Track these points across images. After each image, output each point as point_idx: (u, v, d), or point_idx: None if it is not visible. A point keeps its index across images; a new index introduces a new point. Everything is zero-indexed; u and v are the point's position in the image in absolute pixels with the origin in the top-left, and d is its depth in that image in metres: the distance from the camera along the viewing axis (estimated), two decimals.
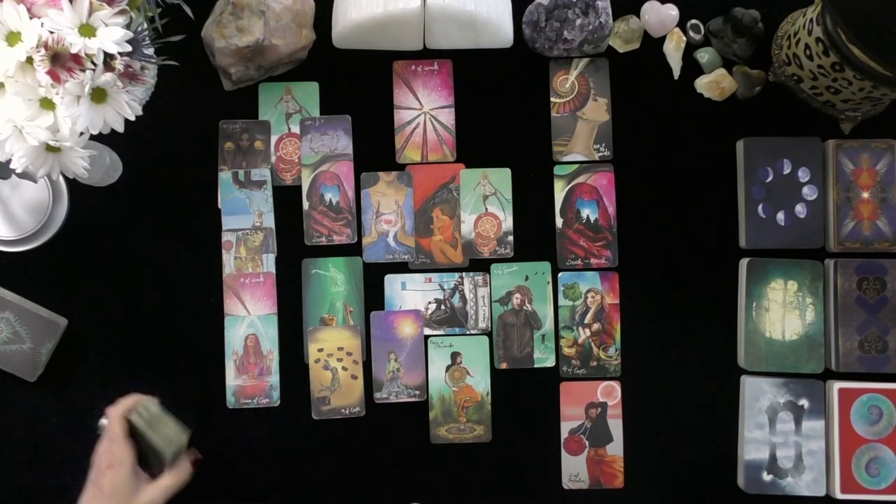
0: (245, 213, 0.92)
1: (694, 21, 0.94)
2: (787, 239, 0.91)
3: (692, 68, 0.94)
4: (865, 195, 0.91)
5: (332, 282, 0.92)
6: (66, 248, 0.91)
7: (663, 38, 0.94)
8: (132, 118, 0.71)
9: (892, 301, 0.89)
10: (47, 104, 0.67)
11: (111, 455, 0.75)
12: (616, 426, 0.91)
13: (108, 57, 0.67)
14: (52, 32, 0.64)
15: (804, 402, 0.90)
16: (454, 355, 0.92)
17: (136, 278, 0.91)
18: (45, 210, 0.90)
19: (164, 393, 0.91)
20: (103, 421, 0.79)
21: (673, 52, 0.94)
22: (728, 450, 0.91)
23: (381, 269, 0.93)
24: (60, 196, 0.90)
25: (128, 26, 0.68)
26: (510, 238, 0.93)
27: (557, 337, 0.92)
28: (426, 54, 0.94)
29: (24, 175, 0.75)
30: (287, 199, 0.93)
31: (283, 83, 0.93)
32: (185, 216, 0.92)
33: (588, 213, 0.93)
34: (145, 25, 0.73)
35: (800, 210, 0.91)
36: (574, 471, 0.91)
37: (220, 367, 0.91)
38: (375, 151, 0.94)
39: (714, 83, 0.93)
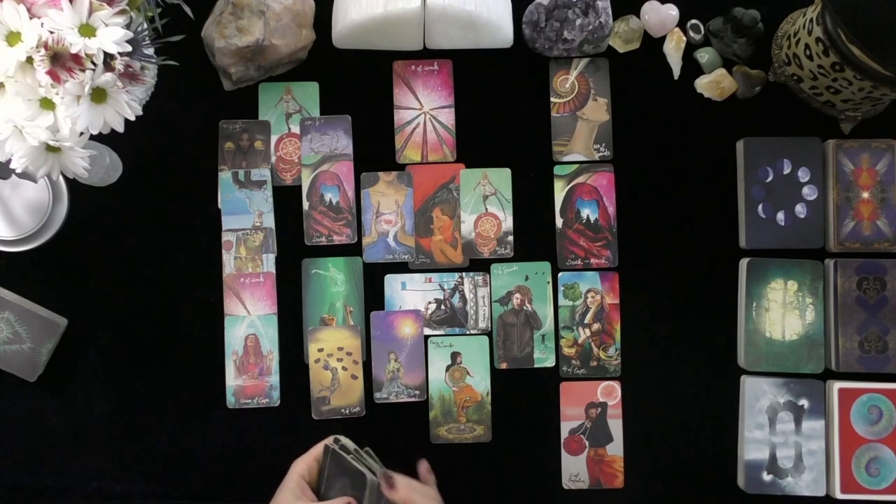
0: (245, 213, 0.92)
1: (694, 21, 0.94)
2: (787, 239, 0.91)
3: (692, 68, 0.94)
4: (865, 195, 0.91)
5: (332, 282, 0.92)
6: (66, 248, 0.91)
7: (663, 38, 0.94)
8: (132, 118, 0.71)
9: (892, 301, 0.89)
10: (47, 104, 0.67)
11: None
12: (616, 426, 0.91)
13: (108, 57, 0.67)
14: (52, 32, 0.64)
15: (804, 402, 0.90)
16: (454, 355, 0.92)
17: (136, 278, 0.91)
18: (45, 210, 0.90)
19: (165, 393, 0.91)
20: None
21: (673, 52, 0.94)
22: (728, 450, 0.91)
23: (381, 269, 0.93)
24: (60, 196, 0.91)
25: (128, 26, 0.68)
26: (510, 238, 0.93)
27: (557, 337, 0.92)
28: (426, 54, 0.94)
29: (24, 175, 0.75)
30: (287, 199, 0.93)
31: (283, 83, 0.93)
32: (185, 216, 0.92)
33: (588, 213, 0.93)
34: (145, 25, 0.73)
35: (800, 210, 0.91)
36: (574, 471, 0.91)
37: (220, 367, 0.91)
38: (375, 151, 0.94)
39: (714, 83, 0.93)
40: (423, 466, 0.86)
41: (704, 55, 0.94)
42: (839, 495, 0.88)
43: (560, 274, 0.93)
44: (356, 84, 0.94)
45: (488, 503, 0.91)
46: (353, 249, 0.93)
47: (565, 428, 0.92)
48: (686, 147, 0.94)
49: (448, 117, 0.94)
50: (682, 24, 0.94)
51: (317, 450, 0.80)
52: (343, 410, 0.91)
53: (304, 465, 0.78)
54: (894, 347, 0.89)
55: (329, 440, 0.81)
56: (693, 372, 0.92)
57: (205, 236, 0.92)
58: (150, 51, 0.77)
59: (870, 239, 0.90)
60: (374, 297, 0.92)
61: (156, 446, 0.91)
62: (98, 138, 0.74)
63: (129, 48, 0.68)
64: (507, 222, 0.93)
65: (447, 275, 0.93)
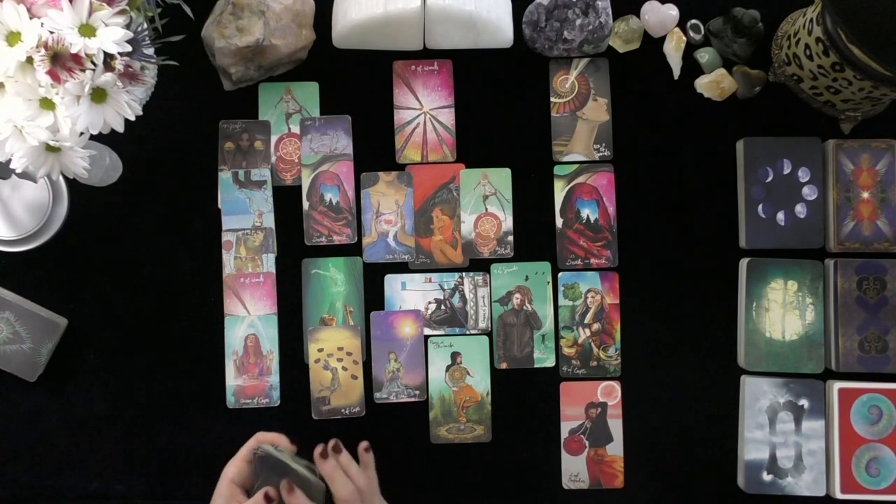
0: (245, 213, 0.92)
1: (694, 21, 0.94)
2: (787, 239, 0.91)
3: (692, 68, 0.94)
4: (865, 195, 0.91)
5: (332, 282, 0.92)
6: (66, 248, 0.91)
7: (663, 38, 0.94)
8: (132, 118, 0.71)
9: (892, 301, 0.89)
10: (47, 104, 0.67)
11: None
12: (616, 426, 0.91)
13: (108, 57, 0.67)
14: (52, 32, 0.64)
15: (804, 402, 0.90)
16: (454, 355, 0.92)
17: (136, 278, 0.91)
18: (45, 210, 0.90)
19: (165, 393, 0.91)
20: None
21: (673, 52, 0.94)
22: (728, 450, 0.91)
23: (381, 269, 0.93)
24: (60, 196, 0.91)
25: (128, 26, 0.68)
26: (510, 238, 0.93)
27: (557, 337, 0.92)
28: (426, 54, 0.94)
29: (24, 175, 0.75)
30: (287, 199, 0.93)
31: (283, 83, 0.94)
32: (185, 216, 0.92)
33: (588, 213, 0.93)
34: (145, 25, 0.73)
35: (800, 210, 0.91)
36: (574, 471, 0.91)
37: (220, 367, 0.91)
38: (375, 151, 0.94)
39: (714, 83, 0.93)
40: (361, 446, 0.83)
41: (704, 55, 0.94)
42: (839, 495, 0.88)
43: (560, 274, 0.93)
44: (356, 84, 0.94)
45: (488, 503, 0.91)
46: (353, 249, 0.93)
47: (565, 428, 0.92)
48: (686, 147, 0.94)
49: (448, 117, 0.94)
50: (682, 24, 0.94)
51: (244, 451, 0.78)
52: (343, 410, 0.91)
53: (234, 469, 0.76)
54: (894, 347, 0.89)
55: (253, 443, 0.79)
56: (693, 372, 0.92)
57: (205, 236, 0.92)
58: (150, 51, 0.77)
59: (870, 239, 0.90)
60: (374, 297, 0.92)
61: (156, 446, 0.91)
62: (98, 138, 0.74)
63: (129, 48, 0.68)
64: (507, 222, 0.93)
65: (447, 275, 0.93)
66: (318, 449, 0.78)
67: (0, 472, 0.90)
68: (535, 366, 0.92)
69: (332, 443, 0.78)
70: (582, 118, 0.94)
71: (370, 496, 0.79)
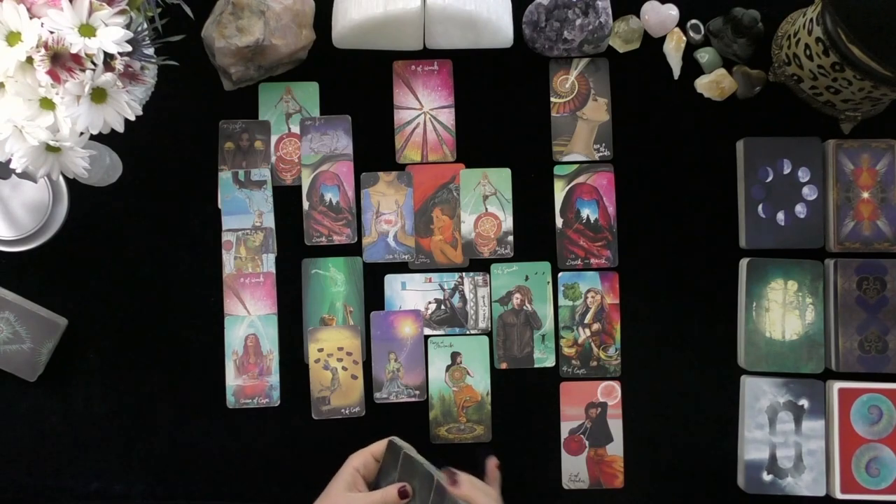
0: (245, 213, 0.92)
1: (694, 21, 0.94)
2: (787, 239, 0.91)
3: (692, 68, 0.94)
4: (865, 195, 0.91)
5: (332, 282, 0.92)
6: (66, 248, 0.91)
7: (663, 38, 0.94)
8: (132, 118, 0.71)
9: (892, 301, 0.89)
10: (47, 104, 0.67)
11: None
12: (616, 426, 0.91)
13: (108, 57, 0.67)
14: (52, 32, 0.64)
15: (804, 402, 0.90)
16: (454, 355, 0.92)
17: (136, 278, 0.91)
18: (45, 210, 0.90)
19: (165, 393, 0.91)
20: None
21: (673, 52, 0.94)
22: (728, 450, 0.91)
23: (381, 269, 0.93)
24: (60, 196, 0.91)
25: (128, 26, 0.68)
26: (510, 238, 0.93)
27: (557, 337, 0.92)
28: (426, 54, 0.94)
29: (24, 175, 0.75)
30: (287, 199, 0.93)
31: (283, 83, 0.94)
32: (185, 216, 0.92)
33: (588, 213, 0.93)
34: (145, 25, 0.73)
35: (800, 210, 0.91)
36: (574, 471, 0.91)
37: (220, 367, 0.91)
38: (375, 151, 0.94)
39: (714, 83, 0.93)
40: (492, 462, 0.84)
41: (704, 55, 0.94)
42: (839, 495, 0.88)
43: (560, 274, 0.93)
44: (356, 84, 0.94)
45: None
46: (353, 249, 0.93)
47: (565, 428, 0.92)
48: (686, 147, 0.94)
49: (448, 117, 0.94)
50: (682, 24, 0.94)
51: (376, 446, 0.78)
52: (343, 410, 0.91)
53: (360, 459, 0.76)
54: (894, 347, 0.89)
55: (384, 442, 0.79)
56: (693, 372, 0.92)
57: (205, 236, 0.92)
58: (150, 51, 0.77)
59: (870, 239, 0.90)
60: (374, 297, 0.92)
61: (156, 446, 0.91)
62: (98, 138, 0.74)
63: (129, 48, 0.68)
64: (507, 222, 0.93)
65: (447, 275, 0.93)
66: (446, 480, 0.75)
67: (0, 472, 0.90)
68: (535, 366, 0.92)
69: (446, 472, 0.77)
70: (582, 118, 0.94)
71: None
